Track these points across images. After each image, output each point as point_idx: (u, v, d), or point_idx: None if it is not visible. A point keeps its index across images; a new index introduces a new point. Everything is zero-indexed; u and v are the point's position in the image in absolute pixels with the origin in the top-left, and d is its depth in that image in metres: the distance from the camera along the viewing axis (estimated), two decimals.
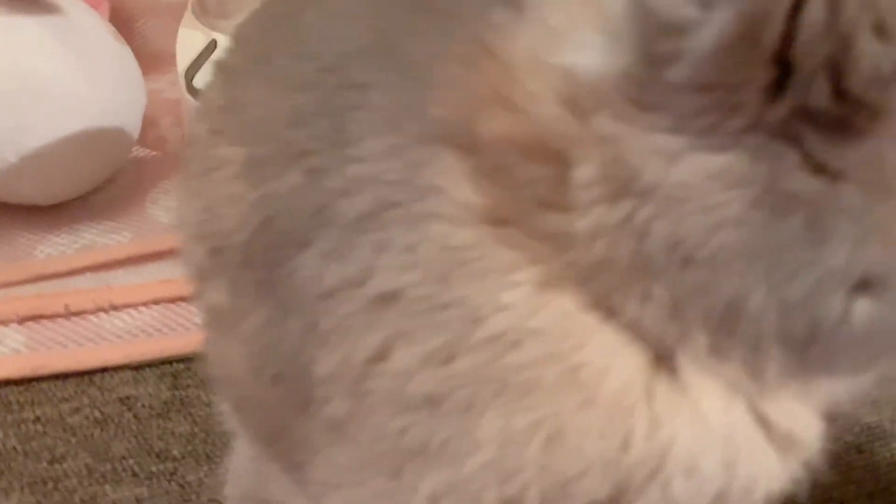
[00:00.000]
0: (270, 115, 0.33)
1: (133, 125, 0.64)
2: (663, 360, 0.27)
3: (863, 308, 0.25)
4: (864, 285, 0.25)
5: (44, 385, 0.57)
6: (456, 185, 0.28)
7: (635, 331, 0.27)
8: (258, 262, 0.32)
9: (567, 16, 0.27)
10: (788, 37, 0.23)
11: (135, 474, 0.53)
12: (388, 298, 0.27)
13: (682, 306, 0.26)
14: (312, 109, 0.31)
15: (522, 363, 0.26)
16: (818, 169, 0.24)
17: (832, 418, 0.33)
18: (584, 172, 0.26)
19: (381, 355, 0.28)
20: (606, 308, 0.27)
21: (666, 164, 0.25)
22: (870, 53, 0.23)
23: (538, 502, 0.27)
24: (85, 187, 0.63)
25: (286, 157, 0.32)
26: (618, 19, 0.25)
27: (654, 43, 0.24)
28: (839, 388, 0.30)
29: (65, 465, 0.53)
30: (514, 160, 0.27)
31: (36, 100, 0.58)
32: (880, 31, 0.23)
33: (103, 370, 0.58)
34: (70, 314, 0.59)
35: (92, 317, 0.59)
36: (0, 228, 0.63)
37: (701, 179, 0.24)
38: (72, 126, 0.59)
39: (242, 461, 0.42)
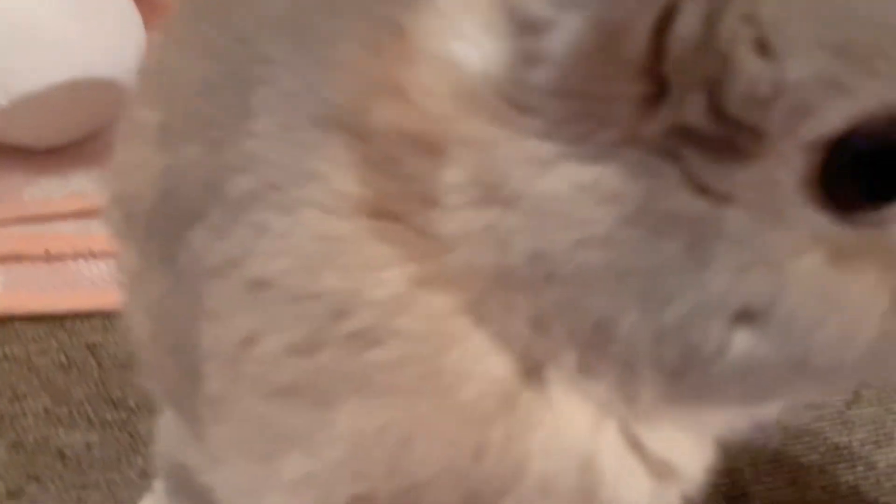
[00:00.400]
0: (186, 82, 0.32)
1: (129, 76, 0.64)
2: (531, 373, 0.26)
3: (743, 340, 0.23)
4: (745, 316, 0.23)
5: (17, 325, 0.58)
6: (338, 172, 0.27)
7: (503, 340, 0.26)
8: (161, 232, 0.32)
9: (458, 3, 0.26)
10: (659, 50, 0.22)
11: (89, 420, 0.54)
12: (261, 283, 0.27)
13: (548, 321, 0.25)
14: (221, 80, 0.31)
15: (382, 362, 0.26)
16: (701, 190, 0.22)
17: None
18: (454, 173, 0.25)
19: (250, 340, 0.27)
20: (478, 314, 0.26)
21: (535, 171, 0.23)
22: (749, 72, 0.21)
23: None
24: (77, 134, 0.64)
25: (193, 126, 0.31)
26: (496, 9, 0.24)
27: (516, 40, 0.23)
28: (734, 419, 0.29)
29: (24, 405, 0.55)
30: (402, 152, 0.26)
31: (27, 44, 0.59)
32: (762, 48, 0.21)
33: (75, 316, 0.59)
34: (50, 258, 0.60)
35: (71, 262, 0.60)
36: None
37: (570, 191, 0.23)
38: (62, 74, 0.60)
39: (167, 422, 0.42)
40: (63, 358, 0.57)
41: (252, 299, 0.27)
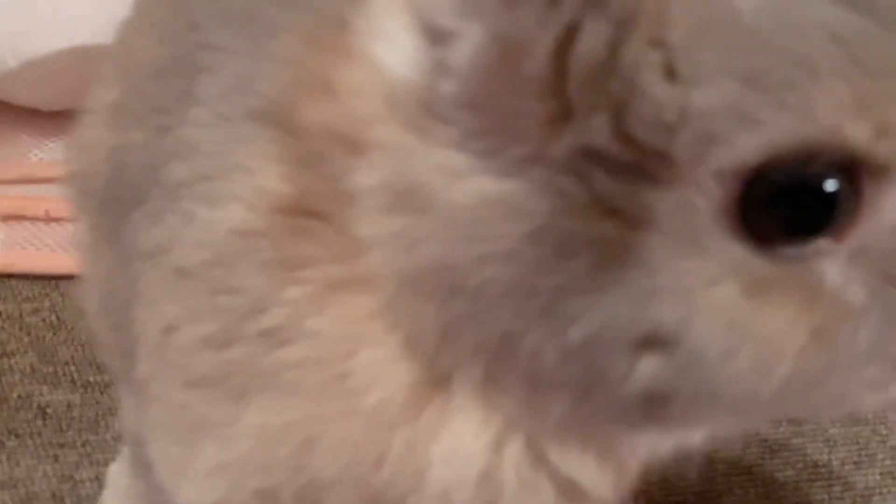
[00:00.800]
0: (141, 64, 0.33)
1: None
2: (438, 382, 0.26)
3: (649, 366, 0.23)
4: (652, 342, 0.23)
5: (12, 282, 0.60)
6: (264, 168, 0.27)
7: (412, 347, 0.26)
8: (110, 211, 0.33)
9: (387, 3, 0.25)
10: (562, 70, 0.21)
11: (73, 380, 0.56)
12: (184, 273, 0.28)
13: (455, 332, 0.25)
14: (172, 65, 0.31)
15: (291, 362, 0.26)
16: (610, 212, 0.22)
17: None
18: (369, 176, 0.25)
19: (171, 328, 0.28)
20: (390, 319, 0.26)
21: (445, 182, 0.23)
22: (654, 97, 0.21)
23: (292, 502, 0.27)
24: (84, 99, 0.65)
25: (144, 109, 0.32)
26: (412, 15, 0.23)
27: (427, 48, 0.22)
28: (655, 443, 0.28)
29: (12, 361, 0.56)
30: (328, 150, 0.26)
31: (37, 9, 0.60)
32: (669, 73, 0.21)
33: (70, 277, 0.60)
34: (49, 219, 0.62)
35: (69, 224, 0.61)
36: (1, 127, 0.66)
37: (477, 205, 0.23)
38: (70, 39, 0.61)
39: (126, 396, 0.43)
40: (54, 318, 0.58)
41: (175, 288, 0.28)
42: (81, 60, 0.62)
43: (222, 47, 0.30)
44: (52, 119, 0.66)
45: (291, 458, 0.26)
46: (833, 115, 0.21)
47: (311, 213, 0.26)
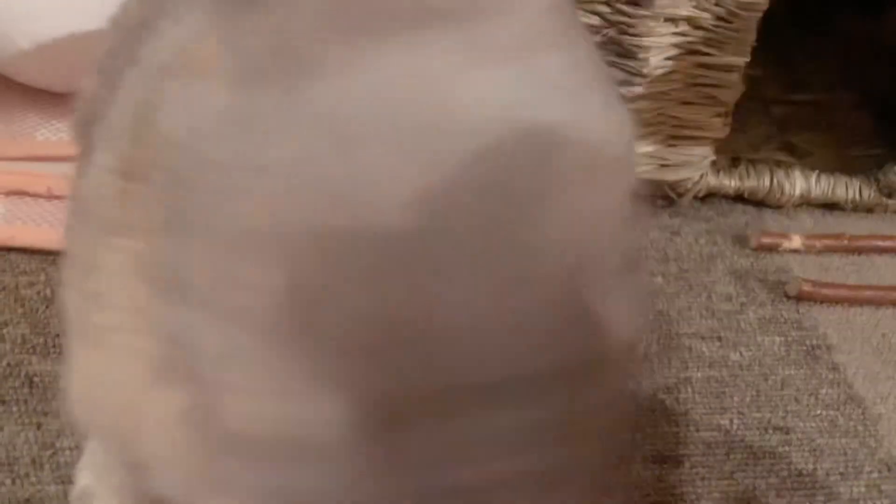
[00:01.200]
0: (125, 22, 0.34)
1: None
2: None
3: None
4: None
5: (11, 256, 0.61)
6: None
7: None
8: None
9: None
10: None
11: (62, 352, 0.56)
12: (72, 221, 0.29)
13: None
14: (137, 27, 0.32)
15: (100, 326, 0.27)
16: None
17: None
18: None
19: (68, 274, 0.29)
20: None
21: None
22: None
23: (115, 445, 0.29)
24: None
25: (107, 66, 0.33)
26: None
27: None
28: None
29: (4, 331, 0.57)
30: None
31: None
32: None
33: None
34: (51, 196, 0.63)
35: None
36: (10, 105, 0.68)
37: None
38: (85, 24, 0.62)
39: None
40: (48, 292, 0.59)
41: (72, 233, 0.29)
42: (93, 44, 0.64)
43: (170, 11, 0.30)
44: (59, 100, 0.67)
45: (106, 407, 0.28)
46: None
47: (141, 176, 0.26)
